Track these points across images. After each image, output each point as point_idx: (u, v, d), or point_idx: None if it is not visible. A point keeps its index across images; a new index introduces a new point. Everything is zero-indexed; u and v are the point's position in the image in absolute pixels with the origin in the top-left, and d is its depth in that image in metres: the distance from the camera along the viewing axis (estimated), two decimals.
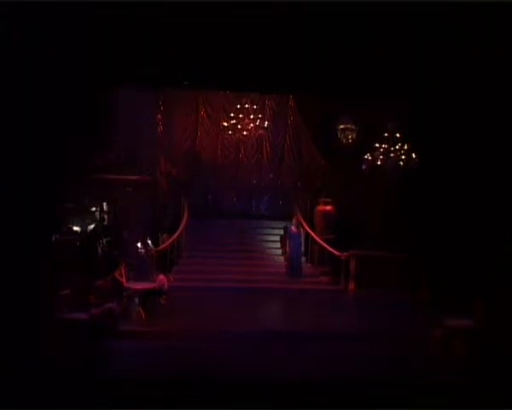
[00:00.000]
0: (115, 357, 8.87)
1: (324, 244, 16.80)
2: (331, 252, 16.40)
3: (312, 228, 17.75)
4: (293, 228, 16.35)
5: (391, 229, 16.70)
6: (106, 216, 17.83)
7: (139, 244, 14.62)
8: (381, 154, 15.93)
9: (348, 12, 7.66)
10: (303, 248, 17.11)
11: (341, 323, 11.95)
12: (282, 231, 17.76)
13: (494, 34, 8.10)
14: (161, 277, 12.56)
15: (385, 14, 7.74)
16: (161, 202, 18.10)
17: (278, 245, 17.80)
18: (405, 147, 15.68)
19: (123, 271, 12.05)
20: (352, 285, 15.67)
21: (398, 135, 15.79)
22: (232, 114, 18.20)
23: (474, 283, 11.53)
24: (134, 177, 17.59)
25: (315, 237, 17.26)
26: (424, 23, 8.05)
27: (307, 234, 17.52)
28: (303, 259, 17.14)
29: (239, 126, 18.10)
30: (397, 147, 15.80)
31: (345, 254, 15.92)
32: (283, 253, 17.24)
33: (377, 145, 15.94)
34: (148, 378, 7.89)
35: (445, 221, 14.76)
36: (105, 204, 17.94)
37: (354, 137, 16.53)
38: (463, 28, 8.15)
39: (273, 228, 18.56)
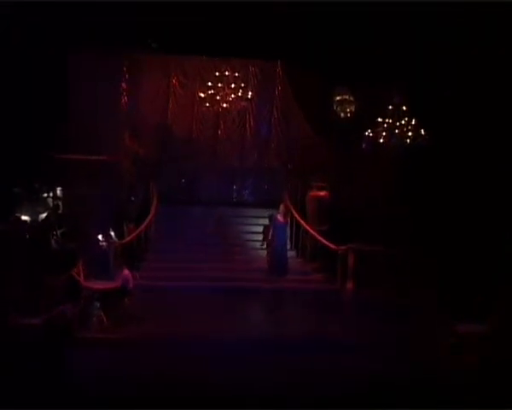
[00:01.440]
0: (71, 369, 8.85)
1: (318, 236, 16.78)
2: (325, 245, 16.38)
3: (304, 217, 17.76)
4: (279, 217, 16.28)
5: (396, 219, 16.74)
6: (60, 203, 17.69)
7: (100, 237, 14.55)
8: (385, 130, 16.03)
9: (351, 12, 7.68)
10: (289, 244, 17.15)
11: (337, 330, 11.90)
12: (266, 221, 17.68)
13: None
14: (125, 273, 12.50)
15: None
16: (126, 186, 18.08)
17: (261, 237, 17.83)
18: (413, 122, 15.75)
19: (80, 267, 11.97)
20: (349, 284, 15.61)
21: (404, 108, 15.84)
22: (210, 83, 18.17)
23: (489, 284, 11.63)
24: (94, 157, 17.46)
25: (307, 227, 17.28)
26: None
27: (298, 224, 17.55)
28: (291, 253, 17.18)
29: (218, 97, 18.07)
30: (403, 122, 15.86)
31: (342, 247, 15.85)
32: (262, 244, 17.31)
33: (380, 120, 16.02)
34: (107, 395, 7.88)
35: (459, 210, 14.89)
36: (59, 189, 17.83)
37: (353, 110, 16.61)
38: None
39: (258, 217, 18.54)
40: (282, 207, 16.40)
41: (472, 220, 15.40)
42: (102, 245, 14.39)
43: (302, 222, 17.48)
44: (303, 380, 8.80)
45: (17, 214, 16.12)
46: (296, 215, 17.65)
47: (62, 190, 17.77)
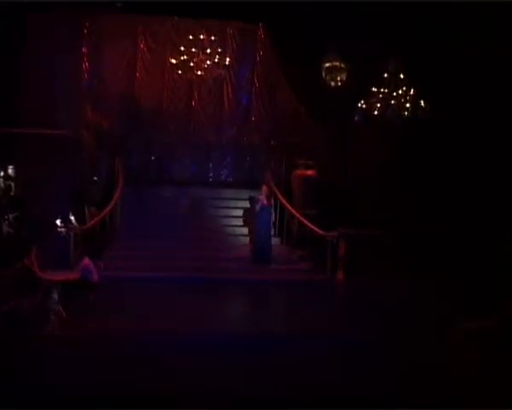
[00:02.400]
0: (24, 372, 8.65)
1: (304, 221, 16.84)
2: (313, 231, 16.44)
3: (289, 200, 17.79)
4: (261, 199, 16.28)
5: (391, 200, 16.98)
6: (12, 184, 17.46)
7: (58, 221, 14.46)
8: (380, 101, 15.94)
9: None
10: (273, 229, 17.18)
11: (326, 326, 11.77)
12: (247, 204, 17.85)
13: None
14: (87, 263, 12.38)
15: None
16: (88, 164, 17.99)
17: (242, 223, 17.99)
18: (411, 92, 15.72)
19: (34, 256, 11.80)
20: (340, 274, 15.74)
21: (402, 76, 15.80)
22: (182, 48, 17.97)
23: (498, 275, 11.85)
24: (50, 131, 17.25)
25: (292, 211, 17.32)
26: None
27: (282, 208, 17.58)
28: (275, 240, 17.23)
29: (191, 64, 17.89)
30: (400, 92, 15.83)
31: (331, 233, 15.93)
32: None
33: (374, 90, 15.96)
34: (64, 396, 7.81)
35: (463, 189, 14.97)
36: (11, 168, 17.60)
37: (344, 78, 16.54)
38: None
39: (237, 199, 18.63)
40: (264, 188, 16.49)
41: (478, 201, 15.49)
42: (61, 231, 14.36)
43: (287, 205, 17.50)
44: (290, 381, 8.76)
45: None
46: (280, 197, 17.68)
47: (15, 169, 17.55)
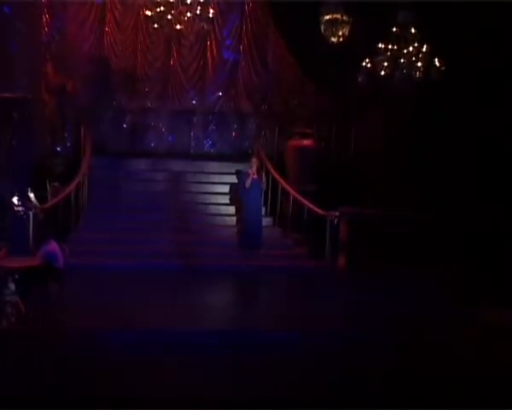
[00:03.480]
0: None
1: (301, 199, 16.91)
2: (311, 210, 16.56)
3: (283, 174, 17.82)
4: (250, 173, 16.18)
5: (400, 175, 17.21)
6: None
7: (15, 199, 14.36)
8: (387, 59, 15.82)
9: None
10: (264, 209, 17.11)
11: (326, 320, 11.93)
12: (234, 179, 17.81)
13: None
14: (51, 248, 12.47)
15: None
16: (49, 133, 17.94)
17: (228, 201, 18.02)
18: (424, 49, 15.58)
19: None
20: (342, 260, 15.91)
21: (413, 30, 15.66)
22: None
23: None
24: (5, 94, 16.91)
25: (286, 187, 17.35)
26: None
27: (275, 184, 17.58)
28: (267, 221, 17.23)
29: (169, 17, 17.68)
30: (411, 49, 15.68)
31: (332, 213, 16.04)
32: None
33: (381, 46, 15.82)
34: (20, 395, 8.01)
35: (482, 163, 14.94)
36: None
37: (346, 33, 16.31)
38: None
39: (222, 174, 18.68)
40: (254, 160, 16.25)
41: (499, 176, 15.53)
42: (18, 210, 14.22)
43: (281, 180, 17.55)
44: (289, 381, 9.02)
45: None
46: (273, 171, 17.68)
47: None
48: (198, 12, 17.54)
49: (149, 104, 20.11)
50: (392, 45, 15.83)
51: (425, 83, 15.94)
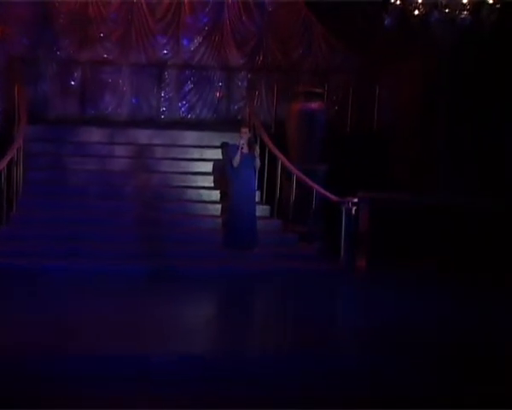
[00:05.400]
0: None
1: (307, 181, 16.67)
2: (321, 196, 16.48)
3: (284, 149, 17.54)
4: (240, 148, 15.96)
5: (438, 152, 17.29)
6: None
7: None
8: None
9: None
10: (258, 195, 17.09)
11: (345, 342, 11.45)
12: (219, 154, 17.61)
13: None
14: None
15: None
16: None
17: (211, 183, 17.76)
18: None
19: None
20: (361, 260, 15.88)
21: None
22: None
23: None
24: None
25: (289, 166, 17.11)
26: None
27: (273, 160, 17.34)
28: (262, 210, 17.12)
29: None
30: None
31: (349, 199, 15.85)
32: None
33: None
34: None
35: None
36: None
37: None
38: None
39: (202, 147, 18.59)
40: (244, 130, 16.22)
41: None
42: None
43: (281, 156, 17.29)
44: None
45: None
46: (270, 145, 17.40)
47: None
48: None
49: (105, 55, 19.81)
50: None
51: (472, 29, 15.57)
